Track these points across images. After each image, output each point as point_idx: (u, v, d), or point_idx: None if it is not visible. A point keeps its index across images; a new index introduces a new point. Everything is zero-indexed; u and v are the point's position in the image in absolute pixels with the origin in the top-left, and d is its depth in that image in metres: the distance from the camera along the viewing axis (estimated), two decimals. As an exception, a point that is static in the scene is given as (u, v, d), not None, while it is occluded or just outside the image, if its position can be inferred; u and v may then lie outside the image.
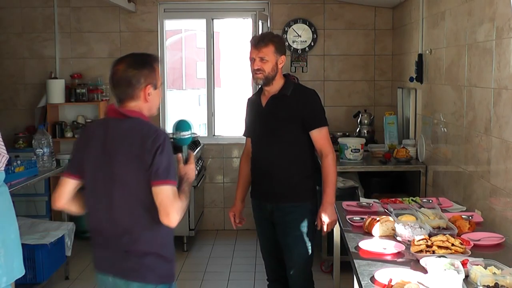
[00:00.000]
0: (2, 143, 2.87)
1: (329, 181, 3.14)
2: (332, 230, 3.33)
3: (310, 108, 3.16)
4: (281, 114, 3.16)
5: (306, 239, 3.19)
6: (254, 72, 3.14)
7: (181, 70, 16.99)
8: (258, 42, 3.12)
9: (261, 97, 3.26)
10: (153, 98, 2.33)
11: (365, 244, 2.63)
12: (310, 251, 3.22)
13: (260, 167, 3.25)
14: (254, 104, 3.32)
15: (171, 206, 2.17)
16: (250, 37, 3.27)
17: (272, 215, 3.23)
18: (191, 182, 2.37)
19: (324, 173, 3.16)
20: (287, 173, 3.17)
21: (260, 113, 3.25)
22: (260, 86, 3.23)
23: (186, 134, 2.38)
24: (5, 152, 2.87)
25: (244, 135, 3.45)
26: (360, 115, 5.56)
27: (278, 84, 3.19)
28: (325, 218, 3.12)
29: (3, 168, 2.87)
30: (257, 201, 3.33)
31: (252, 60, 3.14)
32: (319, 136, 3.16)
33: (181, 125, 2.40)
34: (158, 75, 2.35)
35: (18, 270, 2.95)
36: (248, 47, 3.19)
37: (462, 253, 2.42)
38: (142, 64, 2.30)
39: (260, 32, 5.20)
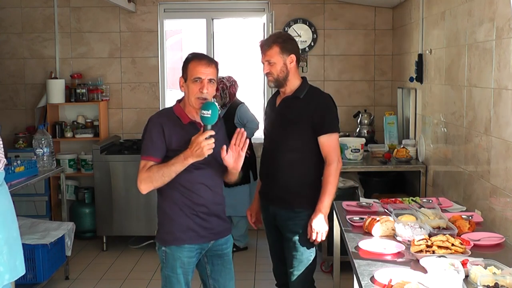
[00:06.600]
0: (2, 148, 2.88)
1: (326, 190, 3.01)
2: (332, 234, 3.26)
3: (321, 112, 3.03)
4: (291, 116, 3.07)
5: (306, 246, 3.08)
6: (266, 75, 3.09)
7: (181, 70, 16.95)
8: (263, 45, 3.05)
9: (277, 97, 3.20)
10: (185, 89, 2.71)
11: (365, 244, 2.63)
12: (311, 258, 3.12)
13: (266, 169, 3.18)
14: (270, 104, 3.26)
15: (138, 177, 2.62)
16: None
17: (274, 219, 3.17)
18: (193, 153, 2.52)
19: (324, 182, 3.03)
20: (291, 178, 3.07)
21: (273, 113, 3.19)
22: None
23: (204, 113, 2.54)
24: (3, 156, 2.88)
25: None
26: (360, 115, 5.56)
27: (293, 85, 3.09)
28: (315, 227, 2.98)
29: (1, 169, 2.87)
30: (263, 202, 3.27)
31: (263, 64, 3.08)
32: (327, 143, 3.03)
33: (204, 105, 2.59)
34: (190, 70, 2.69)
35: (20, 268, 2.99)
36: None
37: (462, 253, 2.42)
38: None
39: (267, 33, 5.17)
